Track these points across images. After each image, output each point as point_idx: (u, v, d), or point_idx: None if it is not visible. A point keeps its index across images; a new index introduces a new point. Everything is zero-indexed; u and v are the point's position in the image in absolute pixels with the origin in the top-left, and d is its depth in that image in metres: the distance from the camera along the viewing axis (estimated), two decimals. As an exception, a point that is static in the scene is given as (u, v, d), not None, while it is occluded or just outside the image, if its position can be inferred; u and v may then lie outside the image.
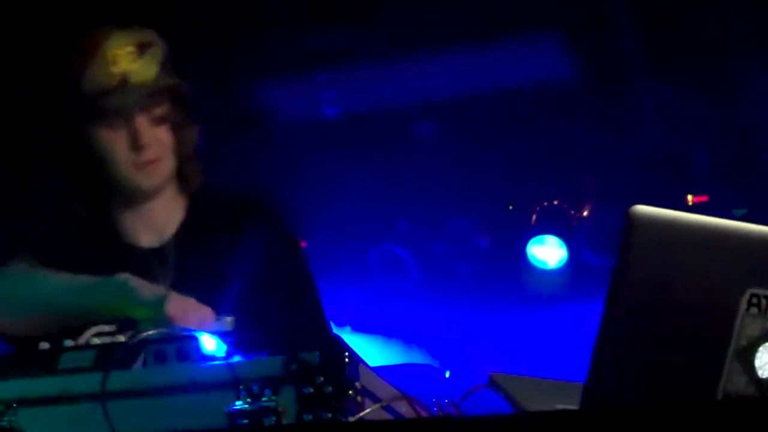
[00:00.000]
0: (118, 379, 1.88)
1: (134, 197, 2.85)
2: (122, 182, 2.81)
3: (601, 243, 5.96)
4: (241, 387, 1.81)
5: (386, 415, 1.85)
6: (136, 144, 2.76)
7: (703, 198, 5.69)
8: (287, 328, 2.83)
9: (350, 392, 1.79)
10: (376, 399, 1.84)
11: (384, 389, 1.90)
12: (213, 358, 1.90)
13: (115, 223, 2.90)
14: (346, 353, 1.81)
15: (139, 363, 1.94)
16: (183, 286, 2.75)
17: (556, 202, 6.15)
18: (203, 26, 5.09)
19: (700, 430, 1.49)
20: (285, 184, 5.59)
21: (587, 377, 1.65)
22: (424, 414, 1.95)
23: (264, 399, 1.79)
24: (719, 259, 1.66)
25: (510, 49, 5.30)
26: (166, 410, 1.85)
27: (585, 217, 6.12)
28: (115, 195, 2.88)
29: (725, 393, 1.65)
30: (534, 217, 6.15)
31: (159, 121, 2.80)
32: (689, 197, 5.73)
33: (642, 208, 1.64)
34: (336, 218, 5.87)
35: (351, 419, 1.77)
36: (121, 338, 2.01)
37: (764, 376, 1.67)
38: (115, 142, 2.78)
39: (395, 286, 6.26)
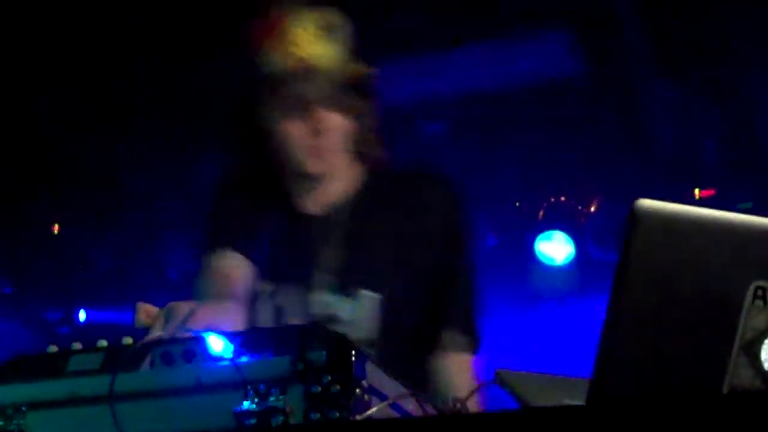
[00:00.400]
0: (126, 381, 1.88)
1: (305, 179, 2.84)
2: (294, 165, 2.80)
3: (609, 238, 5.97)
4: (248, 387, 1.80)
5: (394, 413, 1.86)
6: (314, 130, 2.74)
7: (710, 192, 5.71)
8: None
9: (357, 391, 1.79)
10: (383, 397, 1.84)
11: (391, 387, 1.90)
12: (220, 358, 1.89)
13: (287, 192, 2.88)
14: (353, 351, 1.81)
15: (146, 365, 1.94)
16: (354, 252, 2.81)
17: (563, 198, 6.16)
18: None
19: (706, 424, 1.49)
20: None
21: (593, 372, 1.64)
22: (431, 411, 1.96)
23: (272, 399, 1.79)
24: (724, 252, 1.66)
25: (516, 47, 5.32)
26: (174, 411, 1.86)
27: (592, 213, 6.13)
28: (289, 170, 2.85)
29: (731, 386, 1.65)
30: (541, 213, 6.16)
31: (339, 108, 2.76)
32: (696, 191, 5.74)
33: (646, 202, 1.64)
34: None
35: (358, 417, 1.77)
36: (129, 340, 2.01)
37: None
38: (292, 126, 2.77)
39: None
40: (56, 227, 6.37)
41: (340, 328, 2.62)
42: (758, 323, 1.66)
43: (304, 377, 1.80)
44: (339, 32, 2.76)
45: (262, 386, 1.80)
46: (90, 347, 2.00)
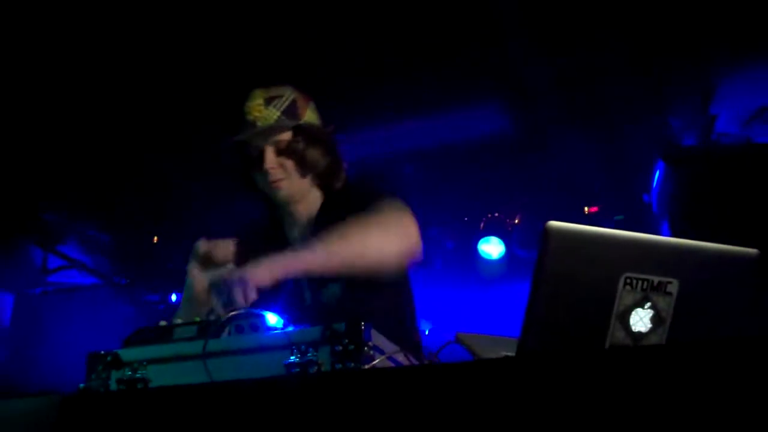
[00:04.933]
0: (213, 345, 1.90)
1: (281, 204, 2.70)
2: (268, 194, 2.69)
3: (528, 241, 5.97)
4: (293, 347, 1.82)
5: (389, 364, 1.87)
6: (263, 168, 2.63)
7: (595, 209, 5.71)
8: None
9: (365, 349, 1.80)
10: (382, 353, 1.86)
11: (388, 345, 1.91)
12: (275, 328, 1.91)
13: (280, 224, 2.75)
14: (362, 323, 1.82)
15: (225, 333, 1.95)
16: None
17: (497, 214, 6.15)
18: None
19: (594, 370, 1.50)
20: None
21: (520, 334, 1.66)
22: (414, 362, 1.97)
23: (309, 355, 1.80)
24: (605, 255, 1.68)
25: (461, 115, 5.30)
26: (245, 365, 1.87)
27: (517, 224, 6.13)
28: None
29: (611, 343, 1.68)
30: (482, 224, 6.15)
31: (282, 151, 2.63)
32: (585, 209, 5.74)
33: (554, 223, 1.65)
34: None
35: (366, 367, 1.79)
36: (213, 317, 2.02)
37: (636, 331, 1.68)
38: (256, 168, 2.65)
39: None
40: (155, 239, 6.38)
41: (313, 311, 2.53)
42: (628, 301, 1.68)
43: (331, 340, 1.82)
44: (277, 101, 2.63)
45: (303, 347, 1.81)
46: (188, 322, 2.00)
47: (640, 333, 1.69)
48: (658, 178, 4.94)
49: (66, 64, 4.53)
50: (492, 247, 6.13)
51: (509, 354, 1.72)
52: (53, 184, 5.50)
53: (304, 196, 2.73)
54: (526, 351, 1.64)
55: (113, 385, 1.94)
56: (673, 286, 1.69)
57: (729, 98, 4.78)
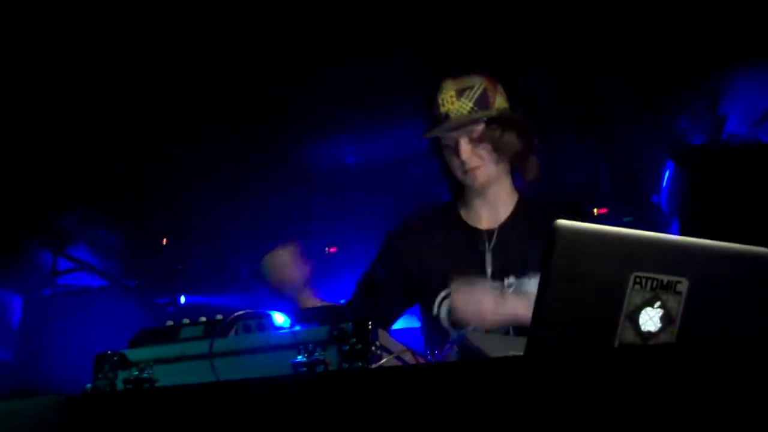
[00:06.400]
0: (219, 344, 1.89)
1: (472, 191, 2.78)
2: (461, 181, 2.77)
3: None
4: (300, 347, 1.82)
5: (397, 363, 1.86)
6: (459, 158, 2.70)
7: (604, 210, 5.69)
8: None
9: (372, 348, 1.80)
10: (389, 352, 1.85)
11: (395, 345, 1.91)
12: (282, 328, 1.91)
13: (456, 210, 2.83)
14: (369, 322, 1.82)
15: (233, 333, 1.95)
16: (498, 260, 2.69)
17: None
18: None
19: (604, 369, 1.49)
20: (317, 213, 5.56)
21: (528, 334, 1.65)
22: (422, 361, 1.96)
23: (316, 354, 1.80)
24: (614, 253, 1.66)
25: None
26: (252, 364, 1.86)
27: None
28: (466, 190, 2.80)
29: (620, 342, 1.66)
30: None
31: (476, 140, 2.70)
32: (595, 210, 5.72)
33: (563, 222, 1.65)
34: (362, 231, 5.80)
35: (373, 366, 1.78)
36: (220, 317, 2.02)
37: (645, 330, 1.67)
38: (451, 156, 2.73)
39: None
40: (165, 240, 6.38)
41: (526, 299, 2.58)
42: (637, 300, 1.67)
43: (338, 340, 1.81)
44: (469, 92, 2.70)
45: (310, 346, 1.81)
46: (194, 322, 2.00)
47: (649, 332, 1.67)
48: (668, 178, 4.92)
49: (73, 66, 4.54)
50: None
51: (517, 353, 1.71)
52: (62, 186, 5.51)
53: (499, 180, 2.79)
54: (535, 350, 1.62)
55: (120, 385, 1.94)
56: (683, 285, 1.67)
57: (739, 98, 4.76)
